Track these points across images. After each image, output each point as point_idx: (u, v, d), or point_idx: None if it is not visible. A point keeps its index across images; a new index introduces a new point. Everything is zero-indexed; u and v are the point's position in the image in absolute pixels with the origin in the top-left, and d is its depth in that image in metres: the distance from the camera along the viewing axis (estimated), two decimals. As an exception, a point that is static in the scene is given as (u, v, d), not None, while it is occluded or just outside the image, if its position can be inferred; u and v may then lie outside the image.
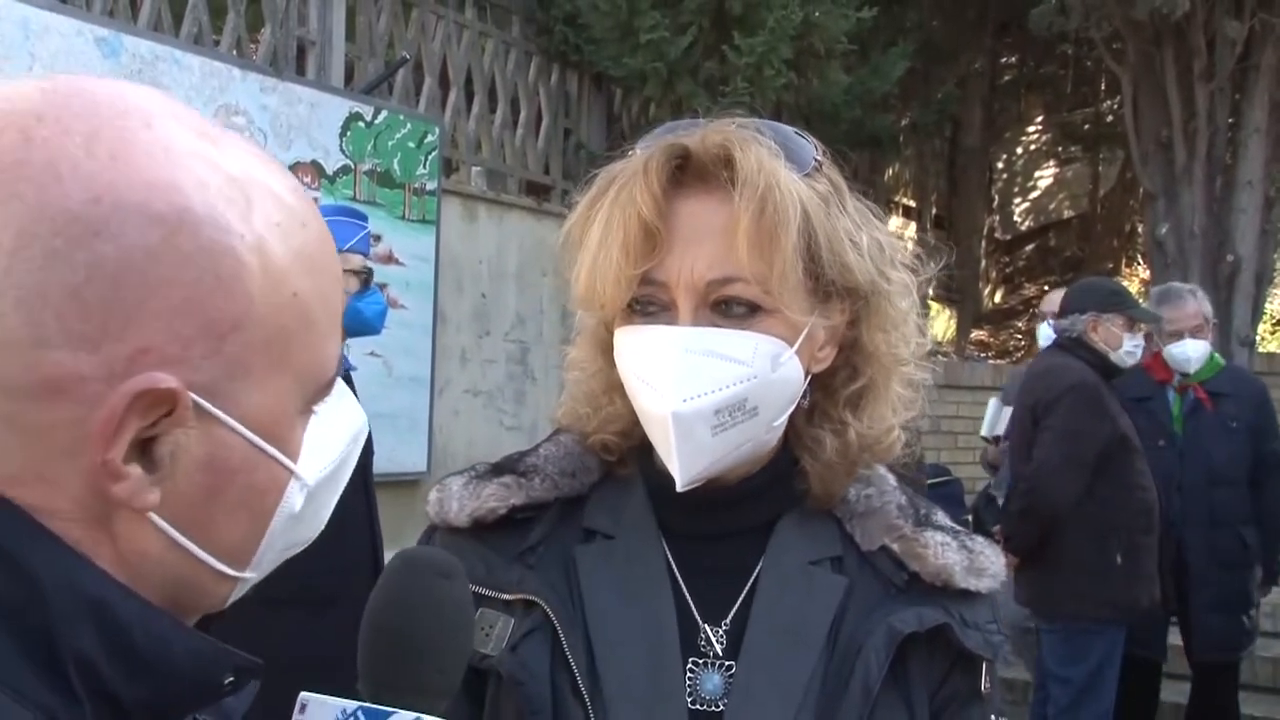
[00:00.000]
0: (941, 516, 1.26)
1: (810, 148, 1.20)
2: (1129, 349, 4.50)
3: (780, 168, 1.13)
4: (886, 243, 1.23)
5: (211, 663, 0.74)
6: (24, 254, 0.66)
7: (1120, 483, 4.41)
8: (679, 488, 1.16)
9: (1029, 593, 4.62)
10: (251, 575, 0.79)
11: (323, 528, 0.86)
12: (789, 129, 1.22)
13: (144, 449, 0.69)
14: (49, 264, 0.66)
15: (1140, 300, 5.28)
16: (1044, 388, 4.60)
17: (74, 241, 0.67)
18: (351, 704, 0.83)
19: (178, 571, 0.74)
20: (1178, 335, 4.94)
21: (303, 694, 0.84)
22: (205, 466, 0.72)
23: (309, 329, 0.76)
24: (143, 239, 0.68)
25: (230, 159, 0.74)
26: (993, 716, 1.23)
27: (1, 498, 0.68)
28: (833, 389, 1.23)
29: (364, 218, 3.57)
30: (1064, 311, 4.69)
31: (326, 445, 0.81)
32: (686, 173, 1.15)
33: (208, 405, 0.70)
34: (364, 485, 3.42)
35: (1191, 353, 4.93)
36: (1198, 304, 5.05)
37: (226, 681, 0.75)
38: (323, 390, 0.79)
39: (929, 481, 5.82)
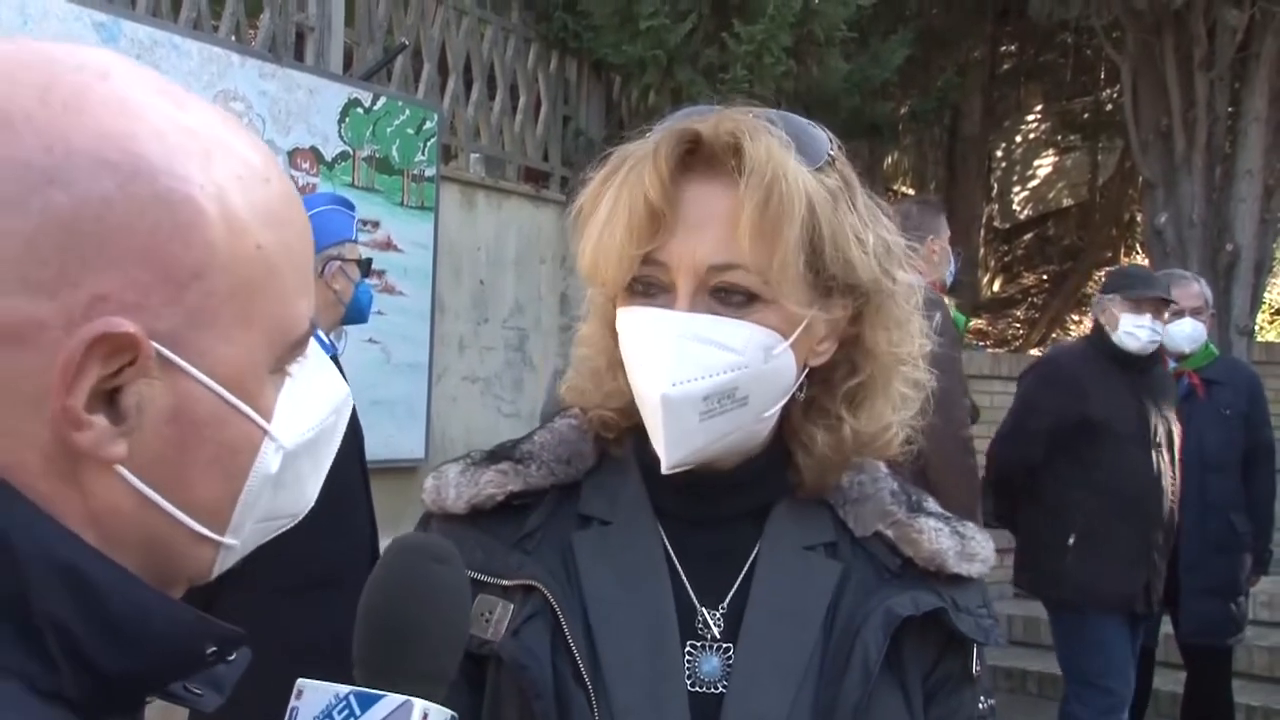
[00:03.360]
0: (933, 503, 1.28)
1: (825, 142, 1.20)
2: (1127, 329, 4.49)
3: (789, 160, 1.14)
4: (894, 243, 1.23)
5: (192, 632, 0.74)
6: None
7: (1079, 462, 4.47)
8: (664, 469, 1.17)
9: (1015, 568, 4.83)
10: (232, 541, 0.78)
11: (311, 504, 0.85)
12: (806, 121, 1.22)
13: (110, 400, 0.69)
14: (2, 212, 0.66)
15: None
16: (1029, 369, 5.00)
17: (27, 189, 0.67)
18: (344, 689, 0.83)
19: (153, 531, 0.73)
20: (1179, 314, 4.94)
21: (300, 680, 0.84)
22: (172, 419, 0.71)
23: (275, 282, 0.75)
24: (96, 186, 0.68)
25: (191, 116, 0.74)
26: (982, 698, 1.26)
27: None
28: (831, 384, 1.24)
29: (351, 205, 3.57)
30: None
31: (305, 410, 0.80)
32: (697, 157, 1.16)
33: (171, 355, 0.70)
34: (360, 468, 3.42)
35: (1189, 330, 4.92)
36: (1200, 287, 5.09)
37: (209, 651, 0.75)
38: (293, 349, 0.78)
39: None
